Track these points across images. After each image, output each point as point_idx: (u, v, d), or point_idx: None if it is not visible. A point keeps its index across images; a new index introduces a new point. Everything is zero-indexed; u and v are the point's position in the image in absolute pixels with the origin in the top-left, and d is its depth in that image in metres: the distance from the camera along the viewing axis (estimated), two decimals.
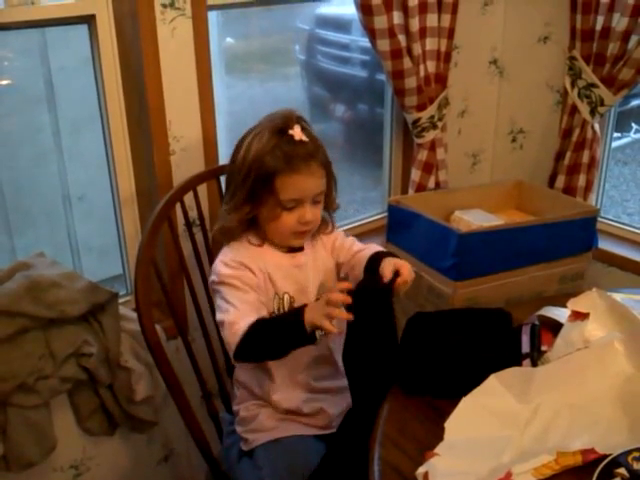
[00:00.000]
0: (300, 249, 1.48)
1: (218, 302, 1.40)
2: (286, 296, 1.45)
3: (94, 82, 1.72)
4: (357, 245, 1.55)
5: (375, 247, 1.52)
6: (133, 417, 1.75)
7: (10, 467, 1.58)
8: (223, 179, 1.71)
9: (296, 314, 1.27)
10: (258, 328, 1.31)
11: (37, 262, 1.62)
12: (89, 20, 1.64)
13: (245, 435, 1.50)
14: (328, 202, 1.49)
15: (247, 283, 1.39)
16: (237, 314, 1.34)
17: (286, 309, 1.44)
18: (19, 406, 1.54)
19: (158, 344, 1.48)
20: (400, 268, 1.34)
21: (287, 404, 1.47)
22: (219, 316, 1.37)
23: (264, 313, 1.39)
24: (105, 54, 1.66)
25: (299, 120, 1.40)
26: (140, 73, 1.64)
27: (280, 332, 1.31)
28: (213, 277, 1.43)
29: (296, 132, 1.36)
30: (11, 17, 1.52)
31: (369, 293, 1.32)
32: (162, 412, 1.83)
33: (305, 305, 1.28)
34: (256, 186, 1.37)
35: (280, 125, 1.38)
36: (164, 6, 1.60)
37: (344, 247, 1.54)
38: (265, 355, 1.38)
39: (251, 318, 1.32)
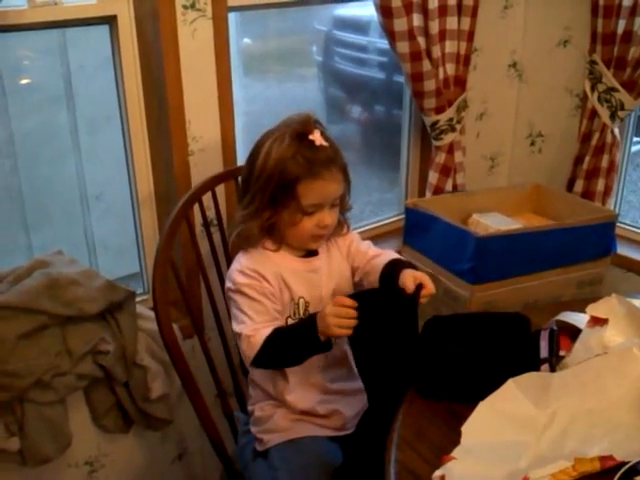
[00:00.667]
0: (315, 253, 1.48)
1: (234, 311, 1.41)
2: (301, 300, 1.45)
3: (114, 82, 1.73)
4: (373, 250, 1.54)
5: (391, 254, 1.52)
6: (148, 415, 1.75)
7: (26, 462, 1.59)
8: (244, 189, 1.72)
9: (309, 325, 1.30)
10: (273, 339, 1.34)
11: (56, 260, 1.63)
12: (110, 20, 1.65)
13: (260, 435, 1.50)
14: (342, 204, 1.49)
15: (262, 293, 1.39)
16: (253, 327, 1.36)
17: (301, 314, 1.44)
18: (36, 402, 1.55)
19: (175, 343, 1.49)
20: (422, 281, 1.34)
21: (302, 405, 1.47)
22: (236, 327, 1.39)
23: (280, 323, 1.40)
24: (126, 54, 1.67)
25: (317, 123, 1.40)
26: (160, 73, 1.65)
27: (295, 343, 1.35)
28: (229, 284, 1.43)
29: (316, 137, 1.36)
30: (34, 17, 1.53)
31: (396, 303, 1.33)
32: (177, 410, 1.84)
33: (316, 313, 1.31)
34: (277, 192, 1.36)
35: (300, 130, 1.37)
36: (185, 7, 1.61)
37: (360, 251, 1.54)
38: (282, 364, 1.43)
39: (267, 330, 1.35)
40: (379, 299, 1.33)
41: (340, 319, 1.25)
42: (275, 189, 1.37)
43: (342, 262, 1.53)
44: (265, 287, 1.40)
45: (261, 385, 1.53)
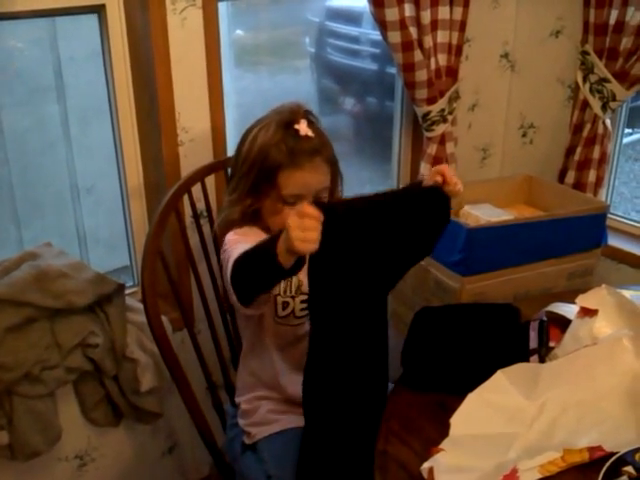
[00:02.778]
0: None
1: (227, 257, 1.33)
2: (295, 278, 1.42)
3: (103, 72, 1.71)
4: None
5: None
6: (138, 408, 1.75)
7: (15, 456, 1.59)
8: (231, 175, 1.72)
9: (270, 242, 1.11)
10: (240, 259, 1.20)
11: (44, 252, 1.62)
12: (99, 10, 1.64)
13: (247, 428, 1.49)
14: (333, 199, 1.47)
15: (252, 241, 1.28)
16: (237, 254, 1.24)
17: (293, 292, 1.42)
18: (25, 396, 1.55)
19: (164, 335, 1.48)
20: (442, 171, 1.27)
21: (292, 389, 1.44)
22: (228, 268, 1.27)
23: None
24: (115, 44, 1.66)
25: (306, 114, 1.39)
26: (150, 63, 1.64)
27: (256, 264, 1.18)
28: (223, 249, 1.39)
29: (302, 127, 1.36)
30: (22, 5, 1.51)
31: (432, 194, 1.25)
32: (167, 403, 1.83)
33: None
34: (259, 179, 1.37)
35: (287, 119, 1.37)
36: None
37: None
38: (253, 288, 1.24)
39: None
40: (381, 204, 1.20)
41: (304, 232, 1.04)
42: (257, 176, 1.37)
43: None
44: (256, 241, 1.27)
45: (254, 371, 1.51)
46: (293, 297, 1.43)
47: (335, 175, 1.45)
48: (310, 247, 1.04)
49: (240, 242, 1.32)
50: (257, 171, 1.36)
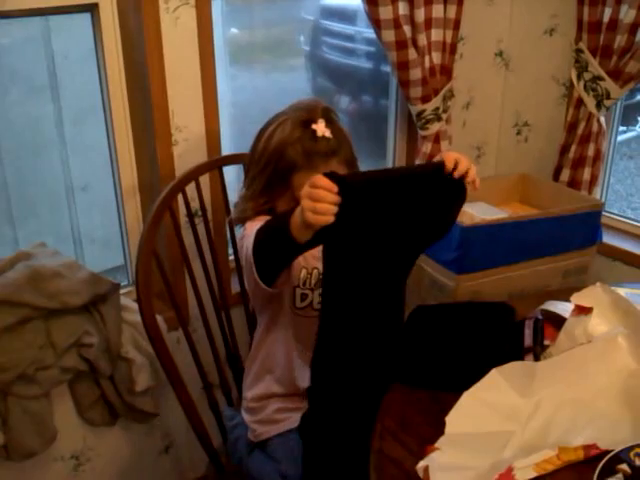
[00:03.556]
0: None
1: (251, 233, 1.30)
2: (315, 271, 1.42)
3: (96, 71, 1.71)
4: None
5: None
6: (134, 408, 1.75)
7: (11, 456, 1.59)
8: (226, 170, 1.72)
9: (285, 219, 1.12)
10: (260, 233, 1.22)
11: (38, 252, 1.62)
12: (92, 9, 1.63)
13: (254, 426, 1.49)
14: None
15: None
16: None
17: (312, 284, 1.41)
18: (20, 396, 1.54)
19: (159, 335, 1.48)
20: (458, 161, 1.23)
21: (305, 383, 1.39)
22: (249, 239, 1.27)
23: None
24: (108, 43, 1.65)
25: (325, 112, 1.36)
26: (143, 62, 1.63)
27: (274, 234, 1.19)
28: (242, 234, 1.37)
29: (319, 127, 1.32)
30: (14, 4, 1.51)
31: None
32: (163, 403, 1.83)
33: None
34: (273, 178, 1.35)
35: (304, 117, 1.34)
36: None
37: None
38: (271, 260, 1.25)
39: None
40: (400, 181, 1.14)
41: (315, 202, 1.02)
42: (271, 175, 1.35)
43: None
44: None
45: (267, 362, 1.49)
46: (312, 289, 1.42)
47: None
48: (322, 219, 1.02)
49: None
50: (272, 170, 1.34)
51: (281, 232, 1.12)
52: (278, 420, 1.46)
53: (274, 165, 1.34)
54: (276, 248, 1.20)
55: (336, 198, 1.02)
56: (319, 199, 1.01)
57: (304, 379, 1.41)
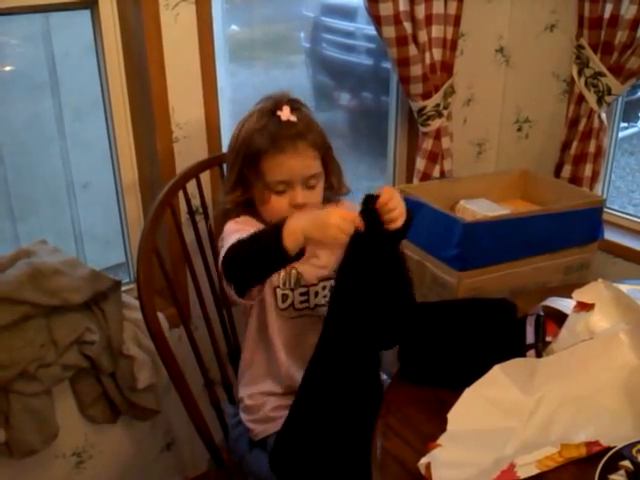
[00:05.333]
0: None
1: (224, 244, 1.34)
2: (293, 271, 1.42)
3: (97, 68, 1.71)
4: None
5: None
6: (135, 405, 1.75)
7: (12, 454, 1.59)
8: (226, 166, 1.71)
9: (276, 226, 1.19)
10: (238, 246, 1.25)
11: (39, 249, 1.61)
12: (91, 5, 1.63)
13: (251, 425, 1.49)
14: (335, 188, 1.47)
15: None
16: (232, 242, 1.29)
17: (292, 284, 1.42)
18: (21, 393, 1.54)
19: (160, 332, 1.48)
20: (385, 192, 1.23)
21: (296, 380, 1.40)
22: (222, 252, 1.31)
23: None
24: (108, 40, 1.65)
25: (291, 102, 1.40)
26: (143, 59, 1.63)
27: (256, 249, 1.23)
28: (221, 237, 1.40)
29: (284, 113, 1.36)
30: (14, 1, 1.50)
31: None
32: (164, 400, 1.83)
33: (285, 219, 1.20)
34: (244, 166, 1.39)
35: (270, 107, 1.38)
36: None
37: None
38: (247, 271, 1.27)
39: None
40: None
41: (345, 221, 1.14)
42: (242, 163, 1.38)
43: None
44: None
45: (255, 363, 1.50)
46: (292, 290, 1.43)
47: (328, 162, 1.43)
48: (343, 238, 1.15)
49: (238, 232, 1.32)
50: (242, 159, 1.38)
51: (271, 243, 1.18)
52: (275, 418, 1.46)
53: (243, 154, 1.38)
54: (261, 259, 1.23)
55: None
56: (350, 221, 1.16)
57: (295, 377, 1.42)
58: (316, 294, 1.46)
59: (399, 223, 1.23)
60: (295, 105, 1.40)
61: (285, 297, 1.43)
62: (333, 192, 1.48)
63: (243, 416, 1.52)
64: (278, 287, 1.42)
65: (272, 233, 1.19)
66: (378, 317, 1.25)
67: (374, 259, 1.22)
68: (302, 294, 1.44)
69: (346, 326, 1.23)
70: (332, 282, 1.40)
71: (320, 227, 1.15)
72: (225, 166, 1.51)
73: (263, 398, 1.48)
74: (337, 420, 1.26)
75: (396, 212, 1.22)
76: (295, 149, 1.35)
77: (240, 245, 1.24)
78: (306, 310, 1.45)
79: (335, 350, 1.25)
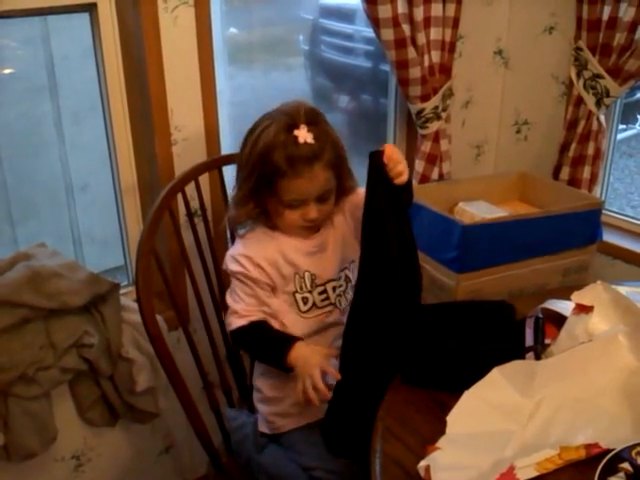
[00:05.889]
0: (316, 229, 1.46)
1: (230, 288, 1.46)
2: (307, 274, 1.43)
3: (95, 71, 1.71)
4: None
5: None
6: (134, 408, 1.74)
7: (11, 457, 1.58)
8: (225, 169, 1.71)
9: (282, 348, 1.37)
10: (250, 335, 1.43)
11: (38, 252, 1.61)
12: (91, 8, 1.63)
13: (271, 417, 1.49)
14: (344, 189, 1.45)
15: (251, 279, 1.41)
16: (243, 307, 1.42)
17: (308, 286, 1.44)
18: (20, 397, 1.54)
19: (159, 335, 1.48)
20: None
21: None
22: (228, 300, 1.45)
23: (266, 309, 1.43)
24: (106, 43, 1.65)
25: (308, 117, 1.35)
26: (142, 62, 1.63)
27: (263, 352, 1.46)
28: (224, 267, 1.47)
29: (301, 133, 1.33)
30: (13, 4, 1.50)
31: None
32: (163, 403, 1.82)
33: (297, 340, 1.38)
34: (260, 183, 1.36)
35: (287, 122, 1.34)
36: None
37: (356, 202, 1.47)
38: (251, 354, 1.56)
39: (252, 318, 1.42)
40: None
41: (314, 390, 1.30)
42: (258, 179, 1.36)
43: (344, 223, 1.50)
44: (253, 275, 1.40)
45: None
46: (310, 291, 1.44)
47: (342, 173, 1.43)
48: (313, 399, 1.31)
49: (240, 282, 1.42)
50: (257, 175, 1.35)
51: (276, 355, 1.39)
52: (294, 414, 1.46)
53: (259, 170, 1.35)
54: (263, 356, 1.48)
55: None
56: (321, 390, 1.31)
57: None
58: (334, 289, 1.47)
59: (405, 177, 1.31)
60: (311, 120, 1.36)
61: (305, 300, 1.45)
62: (344, 192, 1.48)
63: (262, 408, 1.51)
64: (296, 292, 1.44)
65: (276, 360, 1.39)
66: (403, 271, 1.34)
67: (393, 210, 1.31)
68: (321, 293, 1.45)
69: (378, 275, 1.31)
70: (346, 271, 1.48)
71: (304, 372, 1.32)
72: (236, 175, 1.48)
73: (285, 391, 1.47)
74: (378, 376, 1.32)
75: (401, 165, 1.31)
76: (311, 173, 1.34)
77: (248, 345, 1.49)
78: (328, 307, 1.46)
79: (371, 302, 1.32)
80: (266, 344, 1.42)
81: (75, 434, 1.76)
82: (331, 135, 1.40)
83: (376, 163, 1.29)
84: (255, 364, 1.57)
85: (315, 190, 1.37)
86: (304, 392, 1.30)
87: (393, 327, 1.32)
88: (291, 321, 1.44)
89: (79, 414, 1.73)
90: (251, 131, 1.39)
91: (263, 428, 1.51)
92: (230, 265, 1.43)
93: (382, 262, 1.31)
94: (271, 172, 1.33)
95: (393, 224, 1.32)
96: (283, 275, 1.42)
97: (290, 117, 1.35)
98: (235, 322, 1.42)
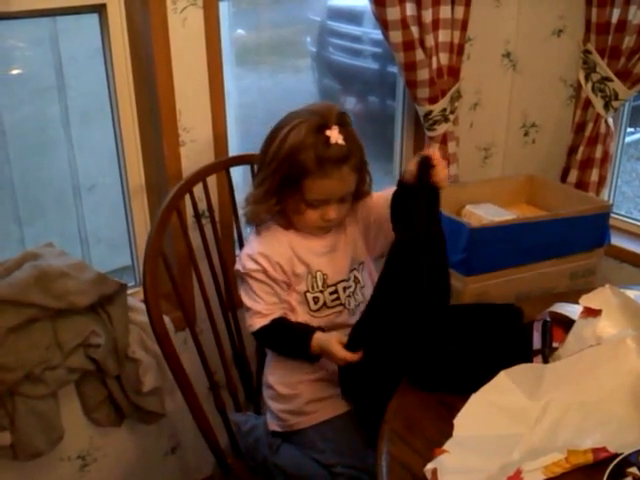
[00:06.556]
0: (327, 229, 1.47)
1: (245, 289, 1.45)
2: (319, 274, 1.44)
3: (104, 72, 1.71)
4: (377, 194, 1.52)
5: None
6: (140, 408, 1.75)
7: (18, 456, 1.59)
8: (233, 170, 1.72)
9: (304, 341, 1.39)
10: (273, 332, 1.44)
11: (46, 252, 1.62)
12: (100, 9, 1.63)
13: (284, 415, 1.49)
14: (361, 192, 1.46)
15: (270, 277, 1.42)
16: (264, 307, 1.43)
17: (320, 286, 1.44)
18: (27, 396, 1.54)
19: (166, 335, 1.48)
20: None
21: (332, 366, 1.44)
22: (247, 302, 1.45)
23: (286, 305, 1.45)
24: (115, 44, 1.65)
25: (339, 118, 1.35)
26: (150, 63, 1.63)
27: (287, 346, 1.46)
28: (238, 267, 1.45)
29: (333, 134, 1.32)
30: (22, 5, 1.51)
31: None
32: (169, 404, 1.83)
33: (316, 330, 1.40)
34: (285, 181, 1.36)
35: (318, 122, 1.33)
36: None
37: (371, 205, 1.50)
38: (276, 351, 1.52)
39: (274, 316, 1.43)
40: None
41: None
42: (283, 178, 1.36)
43: (355, 229, 1.51)
44: (272, 274, 1.41)
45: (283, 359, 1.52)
46: (322, 291, 1.45)
47: (363, 177, 1.44)
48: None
49: (258, 280, 1.42)
50: (284, 173, 1.35)
51: (300, 347, 1.41)
52: (309, 412, 1.47)
53: (286, 169, 1.35)
54: (289, 350, 1.48)
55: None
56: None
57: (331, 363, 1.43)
58: (344, 289, 1.47)
59: (446, 183, 1.36)
60: (342, 121, 1.36)
61: (316, 299, 1.45)
62: (360, 196, 1.48)
63: (274, 405, 1.51)
64: (307, 291, 1.45)
65: (301, 353, 1.42)
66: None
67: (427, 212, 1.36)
68: (332, 293, 1.46)
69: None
70: (355, 272, 1.50)
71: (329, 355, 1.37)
72: (251, 168, 1.47)
73: (299, 388, 1.48)
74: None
75: (446, 170, 1.36)
76: (339, 174, 1.34)
77: (271, 343, 1.50)
78: (338, 307, 1.47)
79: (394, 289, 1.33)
80: (289, 339, 1.44)
81: (81, 434, 1.77)
82: (358, 140, 1.40)
83: (425, 166, 1.32)
84: (266, 361, 1.57)
85: (340, 191, 1.38)
86: (342, 359, 1.33)
87: (413, 328, 1.32)
88: (301, 320, 1.45)
89: (85, 414, 1.74)
90: (278, 129, 1.38)
91: (274, 426, 1.51)
92: (247, 264, 1.43)
93: (410, 263, 1.33)
94: (299, 171, 1.33)
95: (425, 227, 1.35)
96: (297, 274, 1.43)
97: (322, 117, 1.34)
98: (258, 322, 1.43)
